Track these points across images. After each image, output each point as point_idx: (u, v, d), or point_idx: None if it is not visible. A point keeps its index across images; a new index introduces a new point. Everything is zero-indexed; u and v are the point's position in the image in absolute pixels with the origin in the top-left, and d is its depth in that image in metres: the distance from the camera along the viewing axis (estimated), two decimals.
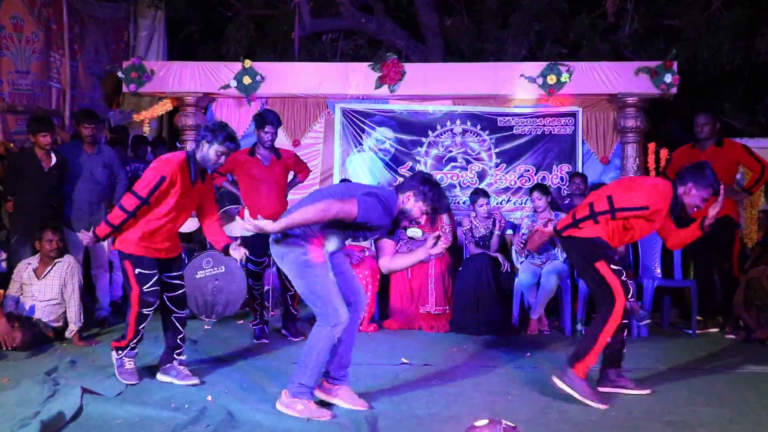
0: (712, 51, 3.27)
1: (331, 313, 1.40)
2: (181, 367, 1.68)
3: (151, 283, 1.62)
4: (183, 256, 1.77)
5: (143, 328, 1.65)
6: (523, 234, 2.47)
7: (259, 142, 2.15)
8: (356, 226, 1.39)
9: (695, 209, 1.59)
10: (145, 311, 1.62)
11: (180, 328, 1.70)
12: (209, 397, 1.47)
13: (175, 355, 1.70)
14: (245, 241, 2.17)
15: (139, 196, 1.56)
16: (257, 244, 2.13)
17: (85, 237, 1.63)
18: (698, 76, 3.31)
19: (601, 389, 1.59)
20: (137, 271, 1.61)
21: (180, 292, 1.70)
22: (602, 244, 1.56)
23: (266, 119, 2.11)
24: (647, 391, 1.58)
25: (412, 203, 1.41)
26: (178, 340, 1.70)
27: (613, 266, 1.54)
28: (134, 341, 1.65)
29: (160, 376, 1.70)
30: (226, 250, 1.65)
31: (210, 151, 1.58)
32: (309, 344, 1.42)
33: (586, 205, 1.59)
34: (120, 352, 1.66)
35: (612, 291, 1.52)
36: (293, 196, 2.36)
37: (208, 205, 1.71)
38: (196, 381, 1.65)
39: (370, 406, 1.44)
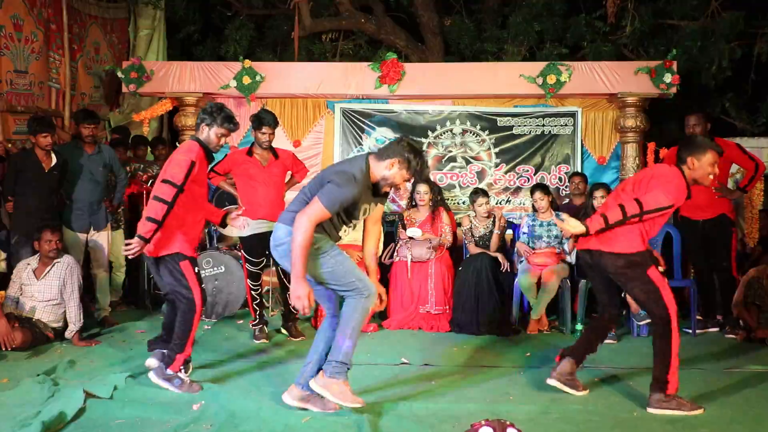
0: (711, 51, 3.28)
1: (360, 285, 1.40)
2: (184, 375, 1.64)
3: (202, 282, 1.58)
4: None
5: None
6: (525, 233, 2.46)
7: (257, 142, 2.15)
8: (338, 213, 1.39)
9: (711, 177, 1.55)
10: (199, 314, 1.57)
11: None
12: (195, 406, 1.43)
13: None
14: (243, 242, 2.18)
15: (174, 184, 1.50)
16: (255, 244, 2.13)
17: (132, 246, 1.49)
18: (698, 75, 3.30)
19: (549, 380, 1.57)
20: (197, 270, 1.57)
21: None
22: (640, 258, 1.50)
23: (263, 120, 2.11)
24: (585, 392, 1.56)
25: (396, 170, 1.39)
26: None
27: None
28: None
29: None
30: (223, 223, 1.61)
31: (211, 133, 1.56)
32: (344, 319, 1.39)
33: (617, 206, 1.50)
34: (181, 369, 1.57)
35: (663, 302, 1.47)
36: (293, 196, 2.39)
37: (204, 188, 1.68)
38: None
39: (361, 403, 1.41)
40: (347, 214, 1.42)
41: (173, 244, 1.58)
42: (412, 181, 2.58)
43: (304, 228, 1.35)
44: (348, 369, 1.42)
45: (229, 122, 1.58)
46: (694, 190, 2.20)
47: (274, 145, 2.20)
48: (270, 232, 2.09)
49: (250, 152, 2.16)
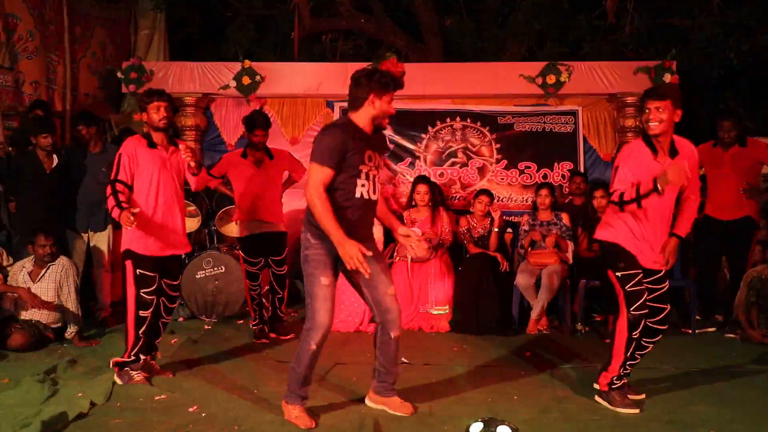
0: (712, 49, 3.27)
1: (309, 312, 1.37)
2: (134, 372, 1.65)
3: (151, 287, 1.60)
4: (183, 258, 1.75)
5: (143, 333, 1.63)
6: (525, 230, 2.45)
7: (250, 144, 2.15)
8: (339, 168, 1.33)
9: (650, 124, 1.41)
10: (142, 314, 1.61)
11: (163, 332, 1.71)
12: (194, 408, 1.44)
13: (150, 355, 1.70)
14: (242, 242, 2.17)
15: (110, 180, 1.59)
16: (253, 245, 2.13)
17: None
18: (698, 74, 3.29)
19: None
20: (139, 272, 1.61)
21: (174, 304, 1.70)
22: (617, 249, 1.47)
23: (255, 123, 2.10)
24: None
25: (379, 102, 1.35)
26: (155, 342, 1.71)
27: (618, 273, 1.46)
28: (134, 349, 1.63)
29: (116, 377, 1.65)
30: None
31: (149, 115, 1.62)
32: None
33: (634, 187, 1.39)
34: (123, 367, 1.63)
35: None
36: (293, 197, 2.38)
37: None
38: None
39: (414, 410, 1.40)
40: (351, 165, 1.35)
41: (126, 241, 1.63)
42: (413, 180, 2.57)
43: (313, 198, 1.31)
44: (299, 396, 1.39)
45: (152, 94, 1.64)
46: (721, 190, 2.14)
47: (271, 143, 2.20)
48: (268, 233, 2.12)
49: (244, 154, 2.15)
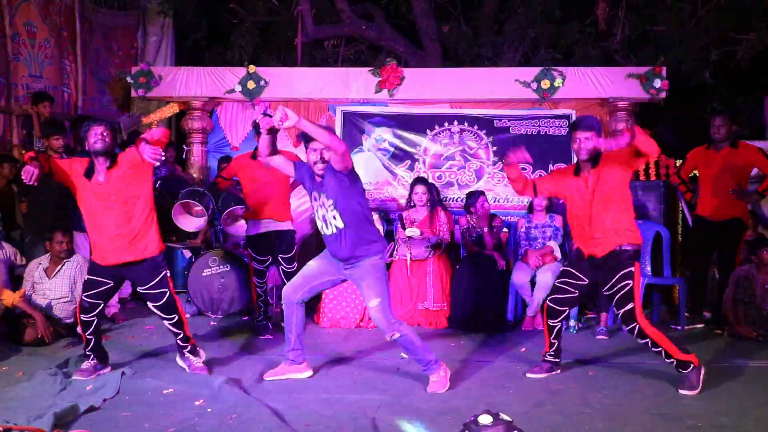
0: (696, 55, 3.33)
1: None
2: (193, 358, 1.74)
3: (93, 292, 1.64)
4: (154, 264, 1.67)
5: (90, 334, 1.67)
6: (522, 231, 2.51)
7: (259, 147, 2.25)
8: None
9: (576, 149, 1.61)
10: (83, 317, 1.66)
11: (176, 331, 1.72)
12: (199, 401, 1.48)
13: (185, 352, 1.76)
14: (250, 240, 2.24)
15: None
16: (262, 243, 2.20)
17: None
18: (683, 79, 3.36)
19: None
20: (86, 278, 1.67)
21: (160, 302, 1.67)
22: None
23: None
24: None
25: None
26: (178, 341, 1.75)
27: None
28: (86, 348, 1.69)
29: (177, 359, 1.79)
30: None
31: (89, 141, 1.64)
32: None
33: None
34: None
35: None
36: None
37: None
38: (205, 373, 1.71)
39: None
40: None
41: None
42: (410, 183, 2.66)
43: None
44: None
45: (88, 122, 1.68)
46: (711, 191, 2.18)
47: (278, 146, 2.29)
48: (276, 231, 2.19)
49: (253, 155, 2.22)
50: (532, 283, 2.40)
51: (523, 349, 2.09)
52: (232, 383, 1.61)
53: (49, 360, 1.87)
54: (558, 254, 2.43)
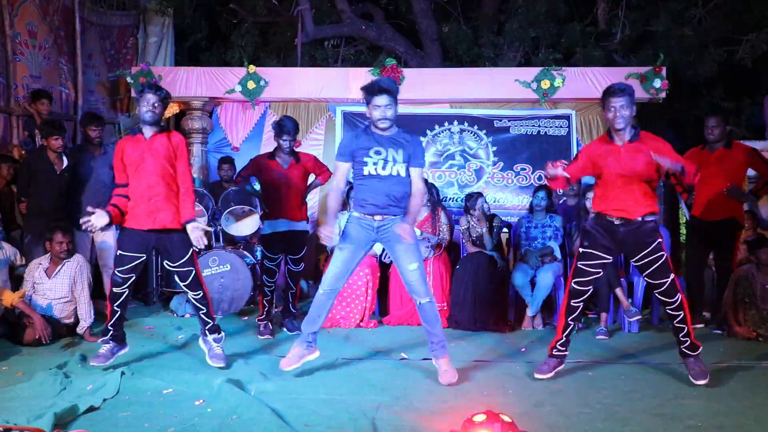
0: (696, 56, 3.34)
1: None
2: (215, 345, 1.78)
3: (125, 267, 1.71)
4: (183, 242, 1.75)
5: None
6: (523, 231, 2.53)
7: (278, 147, 2.23)
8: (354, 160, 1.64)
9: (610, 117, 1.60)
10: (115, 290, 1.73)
11: (200, 306, 1.79)
12: (199, 401, 1.49)
13: (206, 331, 1.80)
14: (263, 238, 2.26)
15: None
16: (275, 241, 2.21)
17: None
18: (684, 79, 3.37)
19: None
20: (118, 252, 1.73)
21: (188, 279, 1.76)
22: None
23: (284, 128, 2.19)
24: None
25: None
26: (201, 316, 1.80)
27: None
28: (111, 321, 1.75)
29: (200, 341, 1.83)
30: (184, 228, 1.73)
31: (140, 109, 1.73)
32: None
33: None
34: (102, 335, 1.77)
35: None
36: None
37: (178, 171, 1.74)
38: (221, 364, 1.74)
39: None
40: (357, 161, 1.73)
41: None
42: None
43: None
44: (305, 340, 1.73)
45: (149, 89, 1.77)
46: (707, 191, 2.18)
47: (273, 145, 2.27)
48: (289, 231, 2.21)
49: (272, 155, 2.24)
50: (532, 283, 2.41)
51: (523, 349, 2.09)
52: (232, 383, 1.61)
53: (49, 360, 1.87)
54: (558, 255, 2.43)
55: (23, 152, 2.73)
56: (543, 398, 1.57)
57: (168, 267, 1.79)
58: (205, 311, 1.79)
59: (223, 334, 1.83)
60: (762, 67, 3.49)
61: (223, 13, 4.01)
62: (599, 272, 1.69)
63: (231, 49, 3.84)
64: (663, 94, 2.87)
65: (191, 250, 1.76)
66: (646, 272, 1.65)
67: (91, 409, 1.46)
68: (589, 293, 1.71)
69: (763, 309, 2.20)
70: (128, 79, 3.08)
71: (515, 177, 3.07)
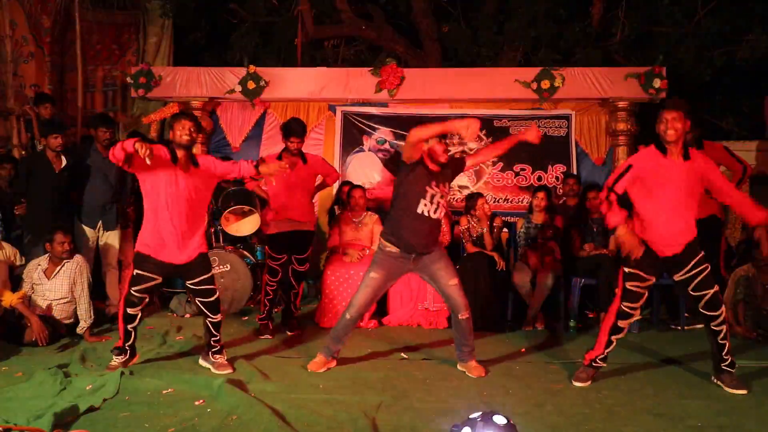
0: (695, 55, 3.35)
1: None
2: (217, 357, 1.78)
3: (142, 287, 1.69)
4: (203, 261, 1.72)
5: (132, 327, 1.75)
6: (522, 232, 2.52)
7: (286, 149, 2.23)
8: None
9: (666, 132, 1.57)
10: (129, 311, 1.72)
11: (214, 332, 1.77)
12: (199, 402, 1.50)
13: (211, 353, 1.80)
14: (270, 238, 2.25)
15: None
16: (280, 242, 2.21)
17: None
18: (684, 79, 3.37)
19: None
20: (135, 272, 1.71)
21: (210, 298, 1.74)
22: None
23: (291, 131, 2.19)
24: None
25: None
26: (211, 341, 1.79)
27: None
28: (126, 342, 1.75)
29: (200, 361, 1.83)
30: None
31: (174, 132, 1.71)
32: None
33: None
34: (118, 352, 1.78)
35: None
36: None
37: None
38: (229, 371, 1.75)
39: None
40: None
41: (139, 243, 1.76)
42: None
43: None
44: (329, 351, 1.81)
45: (181, 113, 1.80)
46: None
47: (274, 145, 2.34)
48: (295, 231, 2.21)
49: (280, 157, 2.24)
50: (532, 283, 2.41)
51: (523, 349, 2.09)
52: (233, 383, 1.61)
53: (49, 360, 1.87)
54: (558, 255, 2.44)
55: (23, 152, 2.72)
56: (543, 398, 1.58)
57: (189, 287, 1.76)
58: (217, 338, 1.78)
59: (225, 352, 1.83)
60: (761, 67, 3.50)
61: (223, 12, 4.01)
62: (646, 292, 1.66)
63: (231, 49, 3.85)
64: (663, 94, 2.88)
65: (212, 269, 1.78)
66: (690, 286, 1.63)
67: (91, 409, 1.46)
68: (637, 314, 1.69)
69: (763, 309, 2.20)
70: (128, 79, 3.07)
71: (515, 177, 3.07)
